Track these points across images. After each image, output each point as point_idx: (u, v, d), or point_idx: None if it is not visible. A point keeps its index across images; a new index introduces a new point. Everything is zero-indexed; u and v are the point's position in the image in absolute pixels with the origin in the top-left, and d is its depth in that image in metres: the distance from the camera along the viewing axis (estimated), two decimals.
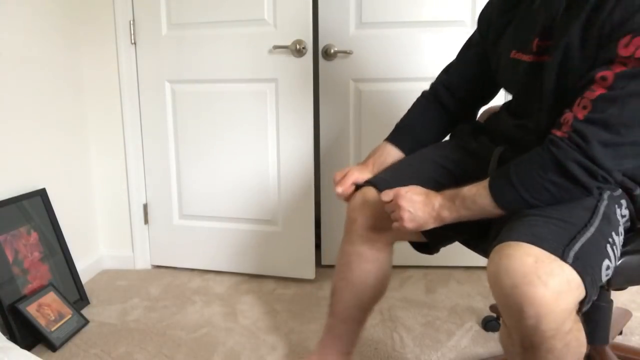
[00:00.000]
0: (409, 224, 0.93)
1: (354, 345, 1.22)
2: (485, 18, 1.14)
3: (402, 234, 1.09)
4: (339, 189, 1.13)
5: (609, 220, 0.83)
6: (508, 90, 1.12)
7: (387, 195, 0.97)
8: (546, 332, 0.70)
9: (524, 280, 0.70)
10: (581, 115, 0.80)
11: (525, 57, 0.98)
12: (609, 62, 0.79)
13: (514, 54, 1.00)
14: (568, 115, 0.82)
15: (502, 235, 0.79)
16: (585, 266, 0.73)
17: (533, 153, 0.85)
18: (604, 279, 0.79)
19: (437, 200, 0.92)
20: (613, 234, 0.83)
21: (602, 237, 0.80)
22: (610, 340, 1.25)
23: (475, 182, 0.98)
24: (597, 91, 0.79)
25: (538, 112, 0.96)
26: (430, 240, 1.13)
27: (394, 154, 1.18)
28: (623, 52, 0.78)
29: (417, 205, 0.92)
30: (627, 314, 1.49)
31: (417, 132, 1.19)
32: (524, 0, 1.03)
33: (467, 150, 1.13)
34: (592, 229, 0.80)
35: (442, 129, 1.21)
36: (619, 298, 1.70)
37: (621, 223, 0.88)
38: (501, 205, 0.86)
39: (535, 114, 0.97)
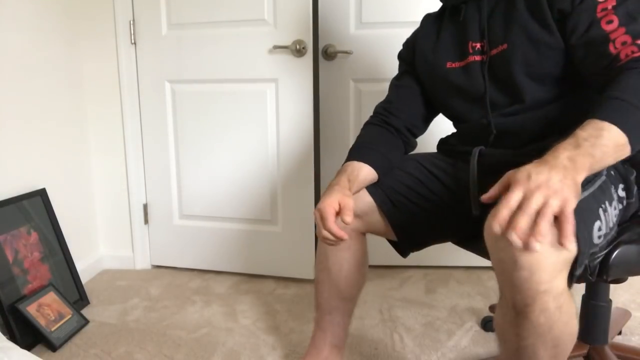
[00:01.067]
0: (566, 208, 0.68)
1: (343, 338, 1.23)
2: (409, 51, 1.20)
3: (372, 226, 1.12)
4: (335, 232, 0.95)
5: (604, 192, 0.86)
6: (450, 99, 1.12)
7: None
8: (540, 284, 0.70)
9: None
10: (638, 41, 0.83)
11: (463, 62, 1.05)
12: (592, 10, 0.88)
13: (450, 65, 1.07)
14: (626, 50, 0.84)
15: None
16: (577, 222, 0.71)
17: (633, 81, 0.80)
18: (596, 241, 0.81)
19: (563, 157, 0.71)
20: (607, 202, 0.86)
21: (595, 201, 0.83)
22: (610, 340, 1.25)
23: (450, 193, 1.08)
24: (619, 29, 0.85)
25: (513, 98, 1.00)
26: (400, 242, 1.14)
27: (365, 169, 1.10)
28: None
29: (558, 183, 0.68)
30: (626, 314, 1.50)
31: (382, 151, 1.14)
32: (445, 21, 1.10)
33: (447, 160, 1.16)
34: (585, 193, 0.82)
35: (402, 150, 1.19)
36: (619, 298, 1.71)
37: (615, 198, 0.90)
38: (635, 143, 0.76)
39: (499, 106, 1.02)
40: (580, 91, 0.97)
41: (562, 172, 0.68)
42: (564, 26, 0.91)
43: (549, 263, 0.70)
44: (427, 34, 1.15)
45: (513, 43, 0.96)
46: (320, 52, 1.91)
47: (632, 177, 0.98)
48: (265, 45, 1.81)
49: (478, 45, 1.02)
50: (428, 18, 1.19)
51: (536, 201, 0.66)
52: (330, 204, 0.97)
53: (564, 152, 0.72)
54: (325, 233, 0.97)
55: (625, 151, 0.75)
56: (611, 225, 0.88)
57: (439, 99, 1.15)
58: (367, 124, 1.22)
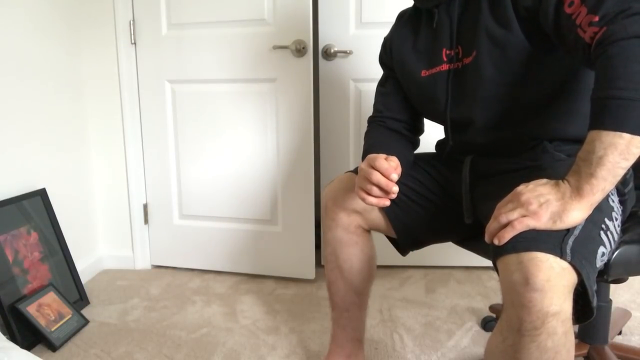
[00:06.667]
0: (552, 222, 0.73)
1: (362, 331, 1.25)
2: (387, 54, 1.17)
3: (373, 223, 1.12)
4: (389, 176, 0.91)
5: (600, 208, 0.80)
6: (427, 109, 1.12)
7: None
8: (551, 306, 0.69)
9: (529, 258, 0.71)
10: (596, 19, 0.76)
11: (437, 69, 1.02)
12: (559, 4, 0.82)
13: (424, 73, 1.05)
14: (589, 32, 0.76)
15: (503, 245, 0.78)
16: (581, 259, 0.72)
17: (609, 63, 0.72)
18: (599, 264, 0.79)
19: (570, 185, 0.74)
20: (606, 219, 0.82)
21: (594, 225, 0.79)
22: (610, 340, 1.25)
23: (450, 198, 1.08)
24: (581, 8, 0.78)
25: (480, 108, 0.98)
26: (400, 240, 1.14)
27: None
28: None
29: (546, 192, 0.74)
30: (626, 314, 1.50)
31: (398, 148, 1.12)
32: (421, 26, 1.07)
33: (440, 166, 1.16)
34: (583, 221, 0.77)
35: (412, 148, 1.19)
36: (619, 298, 1.70)
37: (615, 208, 0.87)
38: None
39: (476, 112, 0.99)
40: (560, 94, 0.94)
41: (561, 200, 0.73)
42: (537, 23, 0.86)
43: (561, 285, 0.69)
44: (404, 37, 1.11)
45: (481, 50, 0.93)
46: (320, 52, 1.91)
47: (628, 176, 0.95)
48: (265, 45, 1.81)
49: (452, 52, 0.99)
50: (403, 16, 1.15)
51: (512, 216, 0.74)
52: (378, 156, 0.94)
53: (572, 178, 0.73)
54: (375, 188, 0.92)
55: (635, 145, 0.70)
56: (615, 238, 0.84)
57: (416, 106, 1.15)
58: (369, 130, 1.20)
